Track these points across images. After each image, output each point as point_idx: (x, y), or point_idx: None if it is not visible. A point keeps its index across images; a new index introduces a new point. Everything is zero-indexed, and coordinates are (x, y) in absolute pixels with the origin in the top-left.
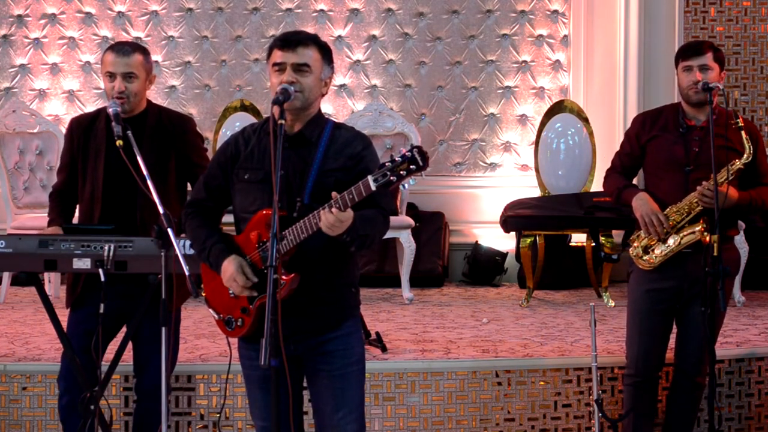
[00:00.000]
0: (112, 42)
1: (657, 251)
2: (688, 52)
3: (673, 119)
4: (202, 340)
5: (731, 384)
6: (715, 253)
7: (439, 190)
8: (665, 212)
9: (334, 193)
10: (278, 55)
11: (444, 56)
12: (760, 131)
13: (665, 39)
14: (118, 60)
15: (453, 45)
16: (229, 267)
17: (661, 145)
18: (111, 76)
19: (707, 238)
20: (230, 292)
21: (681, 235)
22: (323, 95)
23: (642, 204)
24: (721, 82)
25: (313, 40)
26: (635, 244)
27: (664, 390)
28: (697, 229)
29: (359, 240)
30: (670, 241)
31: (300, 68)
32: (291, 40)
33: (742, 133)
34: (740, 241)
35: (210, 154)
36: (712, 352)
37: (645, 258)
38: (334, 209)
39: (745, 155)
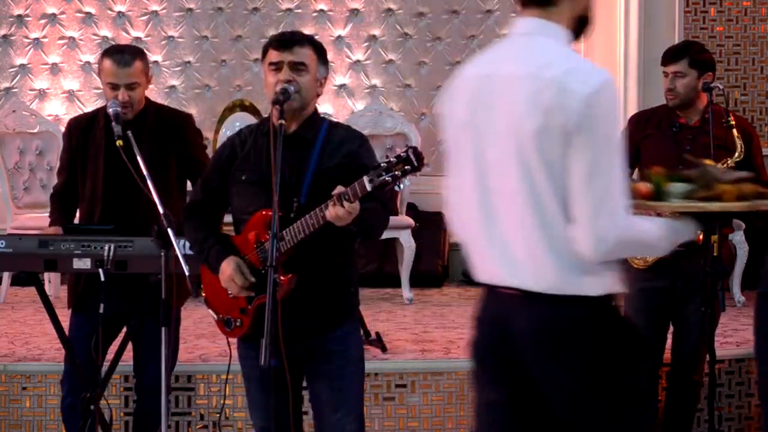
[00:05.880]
0: (112, 42)
1: None
2: (664, 57)
3: (667, 118)
4: (202, 340)
5: (731, 384)
6: (716, 253)
7: (439, 190)
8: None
9: (339, 188)
10: (274, 55)
11: (444, 56)
12: (756, 131)
13: (665, 39)
14: (119, 71)
15: (453, 45)
16: (227, 268)
17: (654, 144)
18: (113, 86)
19: (700, 237)
20: (229, 292)
21: None
22: (319, 95)
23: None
24: (703, 82)
25: (309, 40)
26: None
27: (663, 390)
28: None
29: (365, 230)
30: None
31: (296, 67)
32: (287, 40)
33: (734, 131)
34: (740, 241)
35: (209, 154)
36: (712, 351)
37: (638, 257)
38: (345, 204)
39: (736, 154)
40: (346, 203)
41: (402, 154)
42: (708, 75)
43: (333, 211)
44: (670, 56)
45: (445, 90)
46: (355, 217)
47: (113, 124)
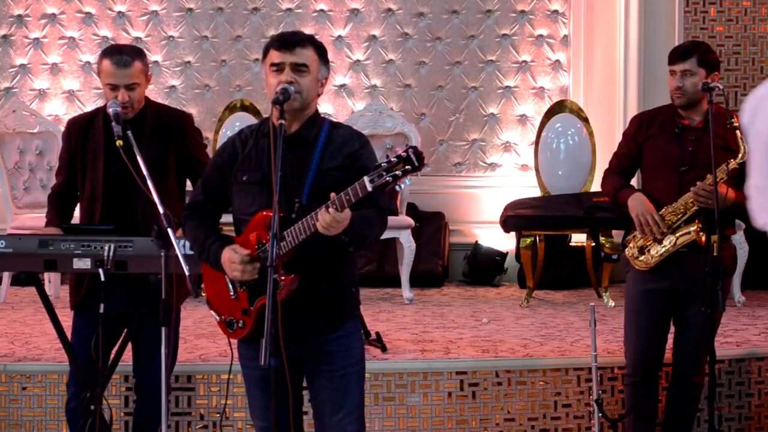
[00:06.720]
0: (112, 42)
1: (653, 251)
2: (672, 56)
3: (669, 119)
4: (202, 340)
5: (731, 384)
6: (716, 253)
7: (439, 190)
8: (660, 212)
9: (332, 194)
10: (276, 56)
11: (444, 56)
12: None
13: (665, 39)
14: (119, 72)
15: (453, 45)
16: (225, 255)
17: (657, 145)
18: (113, 87)
19: (703, 238)
20: (231, 293)
21: (677, 235)
22: (320, 95)
23: (638, 204)
24: (713, 82)
25: (310, 41)
26: (631, 245)
27: (663, 390)
28: (693, 229)
29: (357, 240)
30: (666, 242)
31: (298, 68)
32: (288, 41)
33: (737, 132)
34: (740, 241)
35: (209, 154)
36: (713, 351)
37: (641, 258)
38: (330, 209)
39: (740, 155)
40: (332, 211)
41: (402, 154)
42: (715, 75)
43: (321, 219)
44: (679, 55)
45: (746, 101)
46: (346, 228)
47: (113, 123)
